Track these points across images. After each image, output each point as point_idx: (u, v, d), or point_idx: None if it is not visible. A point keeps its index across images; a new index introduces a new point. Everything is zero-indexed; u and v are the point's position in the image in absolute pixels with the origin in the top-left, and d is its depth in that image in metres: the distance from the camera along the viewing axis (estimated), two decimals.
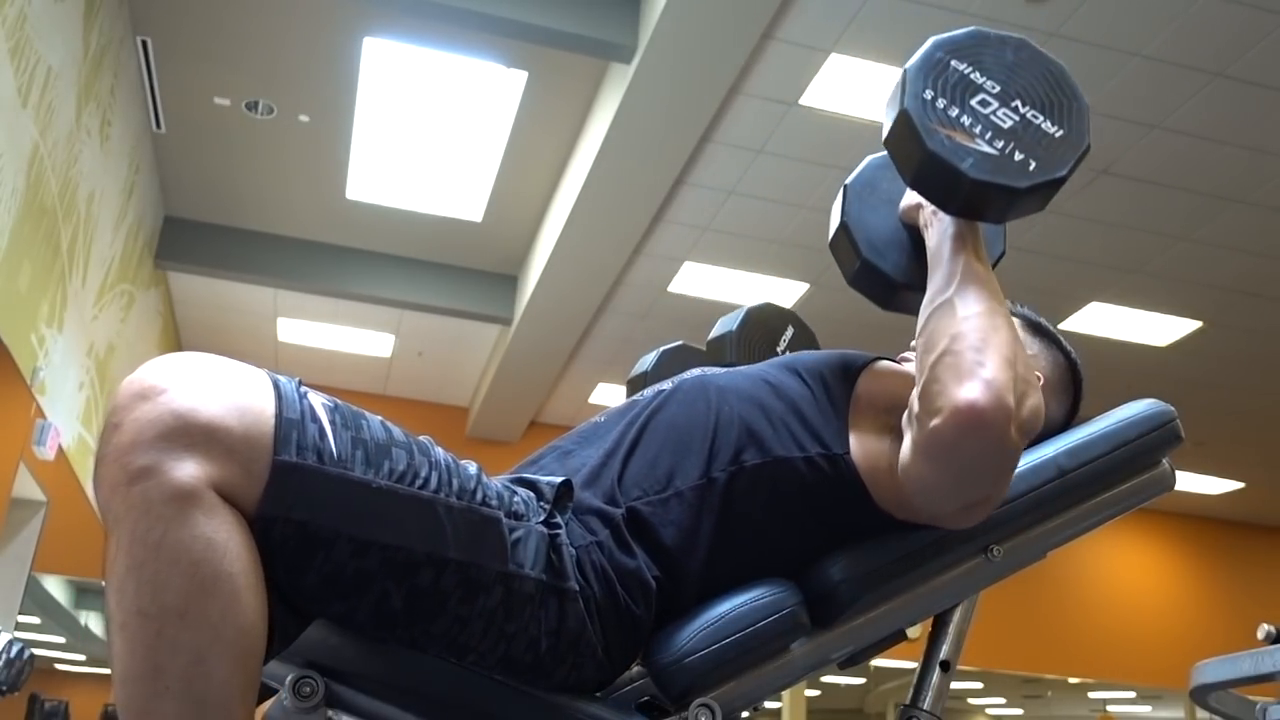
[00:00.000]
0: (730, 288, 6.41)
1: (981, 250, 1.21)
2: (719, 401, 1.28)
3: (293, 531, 0.96)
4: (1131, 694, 12.68)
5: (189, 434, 0.91)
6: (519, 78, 4.97)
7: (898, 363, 1.41)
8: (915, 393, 1.14)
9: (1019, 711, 16.32)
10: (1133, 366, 6.83)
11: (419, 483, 1.03)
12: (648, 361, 1.86)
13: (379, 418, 1.07)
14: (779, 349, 1.69)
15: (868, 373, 1.34)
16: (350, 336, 7.64)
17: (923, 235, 1.27)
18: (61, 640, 10.49)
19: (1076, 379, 1.44)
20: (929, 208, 1.25)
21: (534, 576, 1.08)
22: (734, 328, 1.69)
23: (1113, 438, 1.34)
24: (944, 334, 1.13)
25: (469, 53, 4.83)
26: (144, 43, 4.99)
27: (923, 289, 1.22)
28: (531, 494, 1.16)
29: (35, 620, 9.10)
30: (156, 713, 0.89)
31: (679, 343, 1.89)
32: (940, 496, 1.15)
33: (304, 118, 5.41)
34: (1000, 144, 1.15)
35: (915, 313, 1.27)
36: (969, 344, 1.10)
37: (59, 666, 13.45)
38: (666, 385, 1.34)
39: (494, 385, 7.63)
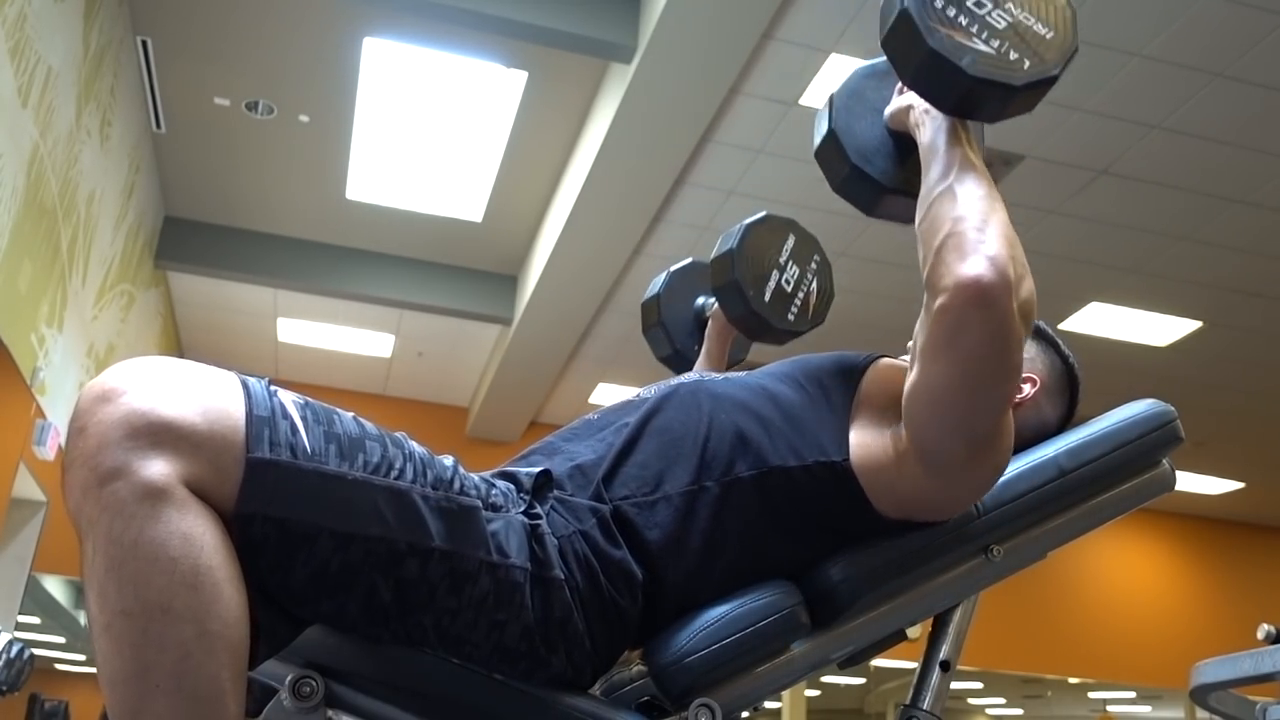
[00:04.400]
0: None
1: (975, 145, 1.24)
2: (713, 409, 1.28)
3: (273, 529, 0.96)
4: (1131, 694, 12.67)
5: (153, 432, 0.91)
6: (519, 78, 4.97)
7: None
8: (925, 281, 1.15)
9: (1019, 711, 16.32)
10: (1133, 366, 6.84)
11: (394, 473, 1.03)
12: (658, 283, 1.90)
13: (351, 414, 1.08)
14: (781, 259, 1.69)
15: (870, 371, 1.34)
16: (350, 337, 7.63)
17: (913, 136, 1.28)
18: (62, 640, 10.50)
19: (1073, 382, 1.44)
20: (920, 107, 1.26)
21: (519, 565, 1.09)
22: (734, 245, 1.68)
23: (1113, 438, 1.35)
24: (947, 217, 1.15)
25: (469, 53, 4.83)
26: (144, 43, 4.99)
27: (909, 194, 1.26)
28: (511, 486, 1.17)
29: (35, 620, 9.10)
30: (148, 712, 0.89)
31: (689, 260, 1.92)
32: (950, 411, 1.15)
33: (304, 118, 5.41)
34: (996, 43, 1.17)
35: (900, 219, 1.32)
36: (971, 224, 1.13)
37: (59, 666, 13.46)
38: (661, 388, 1.34)
39: (494, 385, 7.63)
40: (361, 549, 1.00)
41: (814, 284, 1.72)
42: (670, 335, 1.88)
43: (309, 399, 1.05)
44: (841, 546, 1.25)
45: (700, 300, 1.91)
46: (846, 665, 1.33)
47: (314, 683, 1.03)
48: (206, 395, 0.96)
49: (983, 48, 1.16)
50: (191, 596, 0.89)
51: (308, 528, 0.97)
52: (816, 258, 1.75)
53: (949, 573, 1.28)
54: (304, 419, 1.01)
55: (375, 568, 1.01)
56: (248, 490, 0.94)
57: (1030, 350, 1.42)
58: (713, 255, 1.73)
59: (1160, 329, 6.54)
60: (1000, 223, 1.15)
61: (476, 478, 1.14)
